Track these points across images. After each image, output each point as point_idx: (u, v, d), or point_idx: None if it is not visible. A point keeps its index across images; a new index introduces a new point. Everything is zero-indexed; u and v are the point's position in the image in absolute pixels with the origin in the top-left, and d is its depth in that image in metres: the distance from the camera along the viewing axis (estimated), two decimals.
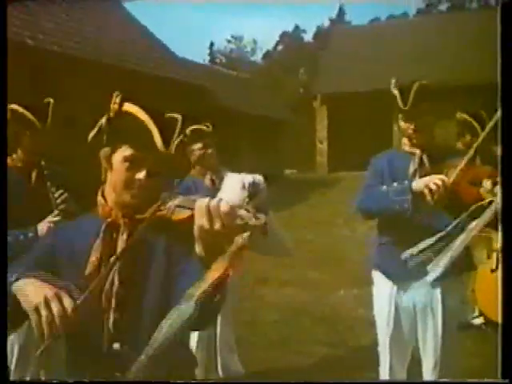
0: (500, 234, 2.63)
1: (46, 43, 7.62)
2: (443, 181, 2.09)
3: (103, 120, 1.41)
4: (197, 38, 62.53)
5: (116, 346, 1.31)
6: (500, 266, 2.42)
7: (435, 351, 2.37)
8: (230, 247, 1.13)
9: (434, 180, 2.10)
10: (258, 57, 40.16)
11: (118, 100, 1.39)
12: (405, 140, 2.41)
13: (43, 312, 1.14)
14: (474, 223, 2.09)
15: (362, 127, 16.33)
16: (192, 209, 1.18)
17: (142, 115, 1.36)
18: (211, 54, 39.72)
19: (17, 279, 1.24)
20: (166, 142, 1.37)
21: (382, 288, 2.48)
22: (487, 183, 2.04)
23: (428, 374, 2.41)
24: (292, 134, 21.67)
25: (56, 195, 2.25)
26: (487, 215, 2.04)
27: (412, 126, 2.32)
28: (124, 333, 1.28)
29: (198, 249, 1.16)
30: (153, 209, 1.30)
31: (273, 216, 3.27)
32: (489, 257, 3.90)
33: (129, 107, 1.38)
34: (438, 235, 2.13)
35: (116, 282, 1.33)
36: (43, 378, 2.53)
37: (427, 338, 2.39)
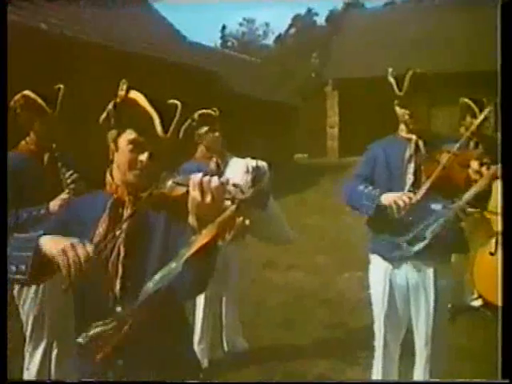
0: (500, 219, 2.69)
1: (59, 28, 7.69)
2: (410, 198, 2.20)
3: (110, 105, 1.52)
4: (209, 21, 62.28)
5: (118, 309, 1.45)
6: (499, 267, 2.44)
7: (427, 329, 2.46)
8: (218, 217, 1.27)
9: (403, 197, 2.22)
10: (270, 40, 39.99)
11: (124, 87, 1.50)
12: (402, 126, 2.49)
13: (70, 254, 1.30)
14: (459, 202, 2.19)
15: (373, 112, 16.24)
16: (188, 185, 1.29)
17: (145, 102, 1.47)
18: (223, 37, 39.58)
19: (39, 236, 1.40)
20: (167, 127, 1.47)
21: (378, 267, 2.58)
22: (474, 164, 2.12)
23: (420, 350, 2.51)
24: (303, 118, 21.62)
25: (66, 175, 2.37)
26: (471, 193, 2.13)
27: (408, 112, 2.41)
28: (127, 297, 1.41)
29: (191, 220, 1.29)
30: (153, 187, 1.42)
31: (275, 204, 3.40)
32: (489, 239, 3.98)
33: (134, 95, 1.49)
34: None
35: (122, 253, 1.47)
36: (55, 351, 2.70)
37: (420, 316, 2.49)
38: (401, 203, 2.21)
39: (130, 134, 1.47)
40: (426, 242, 2.27)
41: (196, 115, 3.40)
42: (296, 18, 39.06)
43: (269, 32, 40.22)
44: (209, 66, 11.70)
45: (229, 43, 38.26)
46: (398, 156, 2.45)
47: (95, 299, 1.48)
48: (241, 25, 39.92)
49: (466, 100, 4.03)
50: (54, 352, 2.69)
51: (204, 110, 3.40)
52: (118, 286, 1.46)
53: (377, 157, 2.53)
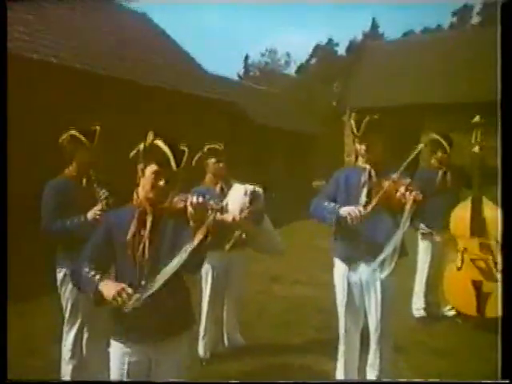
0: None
1: (92, 67, 8.46)
2: (360, 211, 2.90)
3: (141, 147, 2.30)
4: (232, 52, 64.06)
5: (143, 282, 2.20)
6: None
7: (376, 317, 3.10)
8: (205, 221, 2.09)
9: (355, 210, 2.91)
10: (291, 70, 41.02)
11: (151, 136, 2.29)
12: (360, 157, 3.17)
13: (118, 299, 2.05)
14: (403, 225, 2.82)
15: (390, 142, 16.67)
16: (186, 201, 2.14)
17: (164, 147, 2.25)
18: (246, 67, 40.76)
19: (100, 279, 2.16)
20: (179, 163, 2.25)
21: (339, 269, 3.24)
22: (402, 189, 2.76)
23: (372, 334, 3.15)
24: (322, 146, 22.25)
25: (100, 194, 3.09)
26: (407, 215, 2.76)
27: (364, 147, 3.08)
28: (149, 274, 2.18)
29: (191, 221, 2.11)
30: (167, 203, 2.26)
31: (269, 221, 4.08)
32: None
33: (157, 142, 2.27)
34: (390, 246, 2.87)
35: (146, 244, 2.22)
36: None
37: (371, 305, 3.13)
38: (353, 214, 2.88)
39: (153, 167, 2.25)
40: (385, 254, 2.91)
41: (205, 148, 4.11)
42: (317, 47, 40.12)
43: (290, 62, 41.30)
44: (229, 98, 12.43)
45: (251, 73, 39.44)
46: (356, 181, 3.12)
47: (128, 276, 2.23)
48: (263, 55, 41.14)
49: (437, 136, 4.69)
50: (85, 336, 3.38)
51: (211, 145, 4.10)
52: (144, 267, 2.21)
53: (339, 181, 3.21)
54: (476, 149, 4.43)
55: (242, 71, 39.92)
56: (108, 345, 2.48)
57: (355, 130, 3.09)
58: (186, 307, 2.34)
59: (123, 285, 2.08)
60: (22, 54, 7.12)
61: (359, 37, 38.24)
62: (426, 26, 36.03)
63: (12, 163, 6.11)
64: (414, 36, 30.19)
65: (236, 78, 33.34)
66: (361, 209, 2.91)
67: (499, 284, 3.98)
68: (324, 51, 39.63)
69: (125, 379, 2.26)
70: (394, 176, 2.88)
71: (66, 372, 3.27)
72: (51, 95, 7.27)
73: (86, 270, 2.20)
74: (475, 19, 33.60)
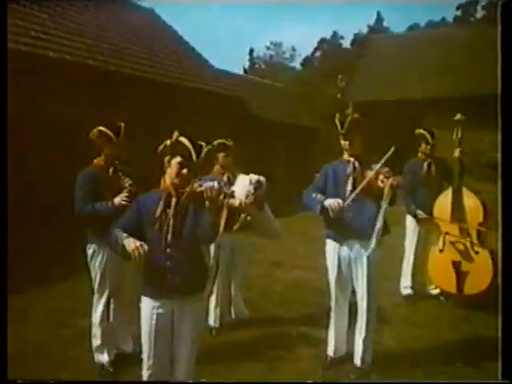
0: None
1: (103, 63, 8.92)
2: (339, 203, 3.43)
3: (168, 142, 2.82)
4: (237, 45, 64.30)
5: (168, 250, 2.73)
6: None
7: (362, 288, 3.60)
8: (220, 203, 2.62)
9: (334, 203, 3.44)
10: (296, 63, 41.30)
11: (176, 133, 2.82)
12: (345, 152, 3.66)
13: (136, 252, 2.57)
14: (383, 206, 3.32)
15: (391, 135, 16.94)
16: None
17: (187, 142, 2.77)
18: (251, 60, 41.07)
19: (126, 237, 2.66)
20: (198, 155, 2.78)
21: (330, 246, 3.75)
22: (381, 176, 3.26)
23: (359, 301, 3.65)
24: (325, 139, 22.62)
25: (125, 181, 3.59)
26: (386, 198, 3.26)
27: (348, 143, 3.58)
28: (174, 244, 2.71)
29: (207, 203, 2.64)
30: (189, 187, 2.76)
31: (268, 207, 4.57)
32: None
33: (181, 138, 2.80)
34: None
35: (171, 221, 2.73)
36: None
37: (358, 278, 3.63)
38: (333, 206, 3.43)
39: (178, 158, 2.77)
40: (375, 233, 3.40)
41: (216, 143, 4.59)
42: (322, 41, 40.36)
43: (296, 55, 41.53)
44: (235, 93, 12.85)
45: (256, 66, 39.75)
46: (342, 172, 3.62)
47: (156, 245, 2.72)
48: (268, 48, 41.42)
49: (421, 131, 5.18)
50: (112, 306, 3.91)
51: (222, 140, 4.59)
52: (169, 238, 2.73)
53: (327, 173, 3.71)
54: (456, 152, 4.94)
55: (247, 64, 40.30)
56: (135, 309, 2.99)
57: (340, 129, 3.58)
58: (202, 271, 2.86)
59: (141, 242, 2.61)
60: (38, 52, 7.62)
61: (364, 30, 38.53)
62: (431, 20, 36.28)
63: (34, 157, 6.66)
64: (418, 30, 30.40)
65: (242, 71, 33.70)
66: (340, 201, 3.44)
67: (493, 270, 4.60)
68: (329, 44, 39.88)
69: (153, 329, 2.78)
70: (377, 166, 3.36)
71: (97, 334, 3.79)
72: (65, 90, 7.73)
73: (118, 230, 2.73)
74: (479, 13, 33.80)
